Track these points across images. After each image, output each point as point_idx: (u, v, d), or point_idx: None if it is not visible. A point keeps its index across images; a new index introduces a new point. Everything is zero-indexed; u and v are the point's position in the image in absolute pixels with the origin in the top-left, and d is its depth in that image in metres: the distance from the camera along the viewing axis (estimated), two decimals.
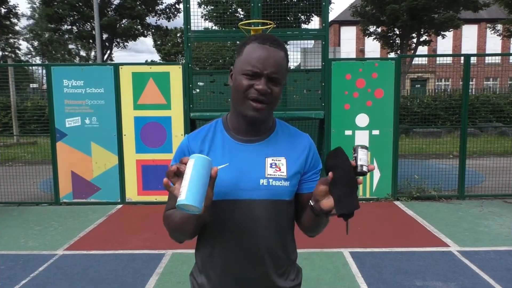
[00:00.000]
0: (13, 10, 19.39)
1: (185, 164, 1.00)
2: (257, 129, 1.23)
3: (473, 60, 16.61)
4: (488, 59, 24.08)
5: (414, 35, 18.81)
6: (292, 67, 8.14)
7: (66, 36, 23.15)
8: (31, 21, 36.89)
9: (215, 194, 1.17)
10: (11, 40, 34.14)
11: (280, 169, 1.20)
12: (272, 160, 1.21)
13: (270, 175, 1.19)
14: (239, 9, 15.92)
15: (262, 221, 1.18)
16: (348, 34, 29.33)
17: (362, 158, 1.10)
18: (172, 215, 1.18)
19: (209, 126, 1.28)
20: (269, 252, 1.21)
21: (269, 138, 1.24)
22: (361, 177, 1.10)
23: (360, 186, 5.75)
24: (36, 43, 37.49)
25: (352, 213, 1.09)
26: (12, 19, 20.77)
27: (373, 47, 27.07)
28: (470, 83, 6.65)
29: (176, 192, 1.00)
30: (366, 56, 28.19)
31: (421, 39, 18.86)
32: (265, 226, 1.19)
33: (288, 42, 6.79)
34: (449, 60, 20.18)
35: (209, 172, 1.01)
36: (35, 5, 35.21)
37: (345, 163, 1.09)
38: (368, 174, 5.88)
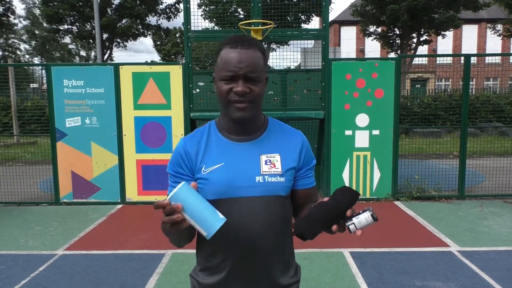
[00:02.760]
0: (10, 8, 19.31)
1: (167, 205, 1.00)
2: (248, 129, 1.26)
3: (473, 60, 16.62)
4: (488, 59, 24.10)
5: (414, 35, 18.80)
6: (292, 67, 8.15)
7: (63, 35, 23.09)
8: (27, 22, 36.90)
9: (213, 194, 1.20)
10: (11, 41, 34.15)
11: (274, 166, 1.23)
12: (267, 157, 1.24)
13: (266, 172, 1.22)
14: (239, 9, 15.92)
15: (260, 217, 1.20)
16: (348, 34, 29.33)
17: (361, 220, 1.05)
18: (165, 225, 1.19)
19: (203, 128, 1.31)
20: (268, 249, 1.22)
21: (262, 136, 1.27)
22: (337, 228, 1.06)
23: (360, 187, 5.75)
24: (33, 43, 37.48)
25: (297, 234, 1.09)
26: (10, 17, 20.73)
27: (373, 47, 27.07)
28: (470, 83, 6.65)
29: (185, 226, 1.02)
30: (366, 56, 28.20)
31: (421, 39, 18.86)
32: (263, 222, 1.20)
33: (288, 42, 6.80)
34: (449, 60, 20.15)
35: (195, 192, 1.03)
36: (29, 5, 35.22)
37: (342, 204, 1.06)
38: (369, 174, 5.88)
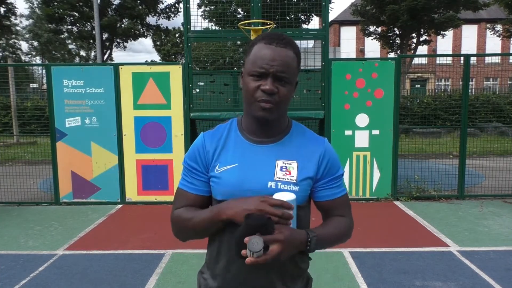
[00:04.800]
0: (13, 10, 19.29)
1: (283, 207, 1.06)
2: (270, 130, 1.21)
3: (473, 60, 16.63)
4: (488, 59, 24.12)
5: (414, 35, 18.81)
6: None
7: (66, 35, 23.10)
8: (30, 21, 36.87)
9: (222, 194, 1.18)
10: (12, 41, 34.11)
11: (290, 173, 1.17)
12: (283, 163, 1.18)
13: (280, 178, 1.16)
14: (239, 9, 15.93)
15: None
16: (348, 34, 29.34)
17: (257, 245, 1.00)
18: (188, 216, 1.19)
19: (224, 125, 1.28)
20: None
21: (282, 140, 1.22)
22: (246, 253, 1.02)
23: (360, 187, 5.75)
24: (35, 43, 37.46)
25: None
26: (11, 19, 20.72)
27: (373, 47, 27.08)
28: (470, 83, 6.65)
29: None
30: (366, 56, 28.20)
31: (421, 39, 18.86)
32: None
33: None
34: (449, 60, 20.20)
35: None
36: (33, 5, 35.18)
37: (247, 230, 1.02)
38: (368, 174, 5.87)
